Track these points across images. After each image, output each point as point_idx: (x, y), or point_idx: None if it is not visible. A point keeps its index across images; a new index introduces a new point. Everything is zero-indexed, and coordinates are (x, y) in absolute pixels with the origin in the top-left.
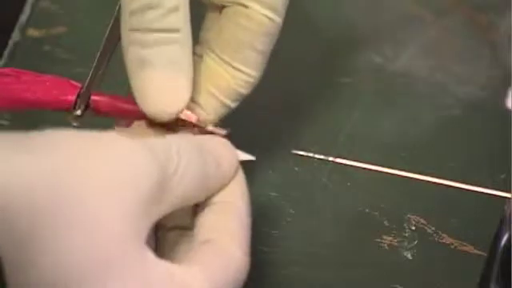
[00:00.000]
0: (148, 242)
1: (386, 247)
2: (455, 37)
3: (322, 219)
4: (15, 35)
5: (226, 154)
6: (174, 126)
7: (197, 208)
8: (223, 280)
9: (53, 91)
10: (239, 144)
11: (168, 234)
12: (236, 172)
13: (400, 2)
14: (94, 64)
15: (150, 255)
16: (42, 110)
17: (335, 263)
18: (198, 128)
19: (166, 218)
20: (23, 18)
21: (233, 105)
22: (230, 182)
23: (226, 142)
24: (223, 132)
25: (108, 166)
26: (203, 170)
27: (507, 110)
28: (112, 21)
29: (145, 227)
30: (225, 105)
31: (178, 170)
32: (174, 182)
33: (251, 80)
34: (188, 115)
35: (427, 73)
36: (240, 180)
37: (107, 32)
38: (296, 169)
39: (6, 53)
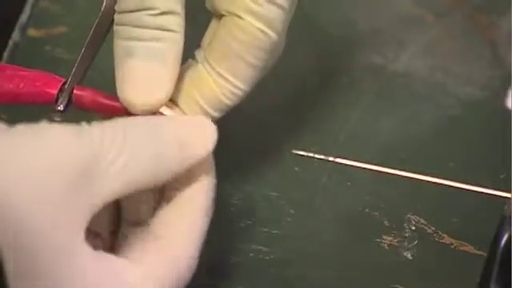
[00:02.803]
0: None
1: (386, 247)
2: (455, 37)
3: (321, 219)
4: (15, 35)
5: (193, 136)
6: None
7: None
8: (167, 278)
9: (35, 83)
10: (240, 144)
11: (131, 230)
12: (208, 160)
13: (400, 3)
14: (78, 59)
15: (83, 246)
16: (28, 105)
17: (335, 263)
18: None
19: (128, 211)
20: (23, 17)
21: (216, 114)
22: (199, 169)
23: (200, 123)
24: None
25: (26, 155)
26: (157, 153)
27: (507, 110)
28: (98, 18)
29: (77, 215)
30: (207, 113)
31: (118, 156)
32: (115, 168)
33: (238, 92)
34: (170, 112)
35: (427, 73)
36: (209, 175)
37: (93, 28)
38: (296, 169)
39: (6, 53)
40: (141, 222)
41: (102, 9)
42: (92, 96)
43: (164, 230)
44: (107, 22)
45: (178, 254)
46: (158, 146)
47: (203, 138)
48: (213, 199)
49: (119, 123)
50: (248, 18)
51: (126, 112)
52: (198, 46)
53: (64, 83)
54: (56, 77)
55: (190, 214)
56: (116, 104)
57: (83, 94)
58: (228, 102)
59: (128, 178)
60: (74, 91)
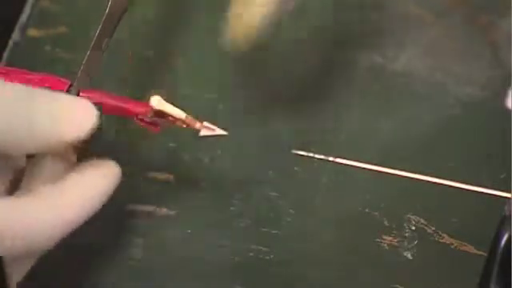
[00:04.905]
0: None
1: (386, 247)
2: (455, 37)
3: (321, 219)
4: (15, 35)
5: (72, 114)
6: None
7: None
8: (12, 224)
9: (42, 87)
10: (240, 144)
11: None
12: (108, 180)
13: (400, 3)
14: (84, 61)
15: None
16: None
17: (335, 263)
18: (187, 123)
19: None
20: (23, 17)
21: None
22: (73, 143)
23: (85, 107)
24: (220, 132)
25: None
26: (25, 120)
27: (507, 110)
28: (103, 19)
29: None
30: None
31: None
32: None
33: None
34: (177, 111)
35: (427, 73)
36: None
37: (98, 29)
38: (296, 169)
39: (5, 53)
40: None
41: (107, 10)
42: (98, 98)
43: (33, 195)
44: (112, 23)
45: (34, 215)
46: (26, 112)
47: (80, 120)
48: (113, 185)
49: None
50: None
51: (133, 113)
52: None
53: (70, 85)
54: (62, 79)
55: (66, 196)
56: (123, 105)
57: (89, 96)
58: None
59: None
60: (80, 93)
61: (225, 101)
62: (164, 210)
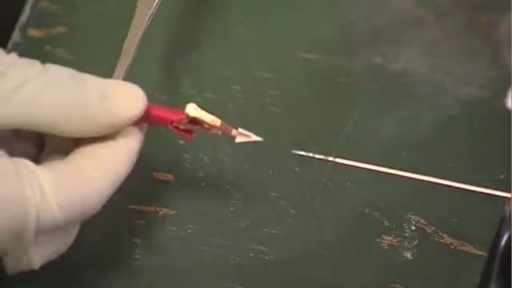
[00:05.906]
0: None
1: (386, 247)
2: (455, 37)
3: (322, 219)
4: (15, 35)
5: (122, 94)
6: None
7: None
8: (71, 191)
9: None
10: (239, 144)
11: (49, 156)
12: (141, 130)
13: (400, 3)
14: (114, 73)
15: None
16: None
17: (335, 263)
18: (222, 130)
19: (49, 139)
20: (23, 18)
21: None
22: (124, 126)
23: (134, 89)
24: (256, 138)
25: None
26: (75, 96)
27: (507, 110)
28: (130, 29)
29: None
30: None
31: (31, 81)
32: (24, 93)
33: None
34: (212, 118)
35: (427, 73)
36: (142, 129)
37: (126, 40)
38: (296, 169)
39: None
40: (61, 151)
41: (134, 21)
42: None
43: (80, 158)
44: (138, 33)
45: (87, 178)
46: (80, 90)
47: (130, 99)
48: (138, 151)
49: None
50: None
51: (168, 120)
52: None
53: None
54: None
55: (111, 151)
56: (158, 113)
57: None
58: None
59: (37, 108)
60: None
61: (225, 101)
62: (164, 210)
